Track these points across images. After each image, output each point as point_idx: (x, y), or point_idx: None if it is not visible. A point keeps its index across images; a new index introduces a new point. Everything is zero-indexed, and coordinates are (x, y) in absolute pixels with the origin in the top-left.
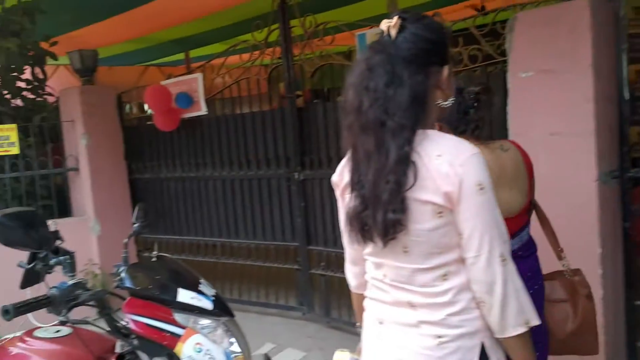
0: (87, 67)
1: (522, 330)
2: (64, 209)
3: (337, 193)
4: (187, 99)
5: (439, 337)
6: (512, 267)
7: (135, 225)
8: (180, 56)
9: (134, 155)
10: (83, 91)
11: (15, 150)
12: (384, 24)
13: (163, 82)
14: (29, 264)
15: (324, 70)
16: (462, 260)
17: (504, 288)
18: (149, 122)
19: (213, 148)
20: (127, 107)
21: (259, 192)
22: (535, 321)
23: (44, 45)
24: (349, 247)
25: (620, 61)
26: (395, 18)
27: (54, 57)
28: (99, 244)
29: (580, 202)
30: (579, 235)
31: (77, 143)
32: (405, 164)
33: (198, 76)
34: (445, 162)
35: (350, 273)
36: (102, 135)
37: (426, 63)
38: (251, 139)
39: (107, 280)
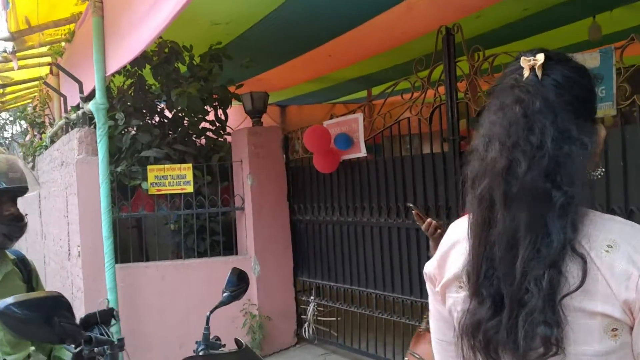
0: (257, 109)
1: None
2: (231, 246)
3: (432, 288)
4: (346, 140)
5: None
6: None
7: (225, 294)
8: (363, 93)
9: (297, 196)
10: (251, 132)
11: (189, 188)
12: (524, 62)
13: (325, 123)
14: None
15: None
16: None
17: None
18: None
19: (371, 192)
20: (296, 145)
21: (417, 243)
22: None
23: (231, 88)
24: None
25: None
26: (540, 55)
27: (238, 99)
28: (257, 284)
29: None
30: None
31: (244, 182)
32: (568, 257)
33: (358, 116)
34: (622, 257)
35: None
36: (266, 175)
37: (581, 117)
38: (410, 184)
39: (263, 323)
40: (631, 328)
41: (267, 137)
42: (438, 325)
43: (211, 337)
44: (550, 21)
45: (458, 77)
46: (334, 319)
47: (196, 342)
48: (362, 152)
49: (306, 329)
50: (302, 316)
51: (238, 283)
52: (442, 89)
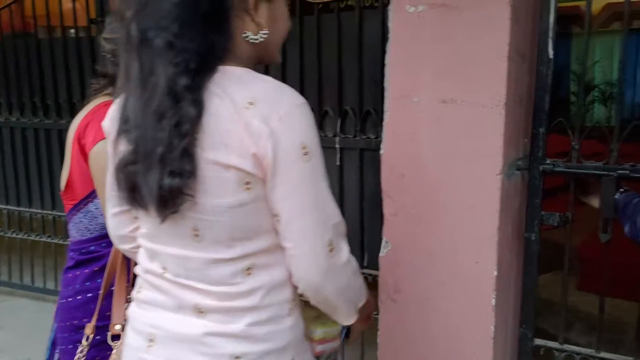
0: None
1: (354, 318)
2: None
3: (109, 143)
4: None
5: (237, 357)
6: (343, 257)
7: None
8: None
9: None
10: None
11: None
12: None
13: None
14: None
15: None
16: (275, 250)
17: (335, 286)
18: None
19: None
20: None
21: (60, 147)
22: (364, 298)
23: None
24: (117, 208)
25: (547, 1)
26: None
27: None
28: None
29: (476, 203)
30: (469, 249)
31: None
32: (190, 103)
33: None
34: (258, 114)
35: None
36: None
37: None
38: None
39: None
40: (263, 182)
41: None
42: (110, 169)
43: None
44: None
45: None
46: None
47: None
48: None
49: None
50: None
51: None
52: None
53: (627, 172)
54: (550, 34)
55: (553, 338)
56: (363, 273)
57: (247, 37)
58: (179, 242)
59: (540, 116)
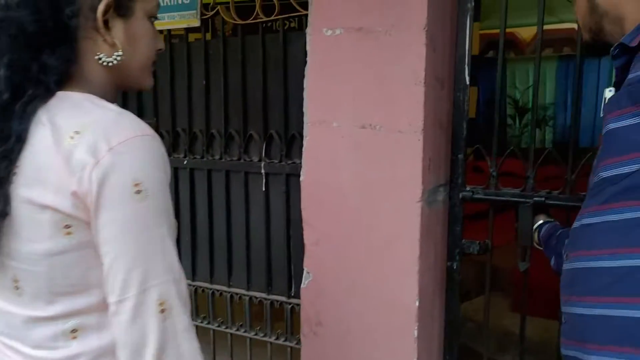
0: None
1: None
2: None
3: None
4: None
5: None
6: (180, 321)
7: None
8: None
9: None
10: None
11: None
12: None
13: None
14: None
15: None
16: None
17: (159, 355)
18: None
19: None
20: None
21: None
22: None
23: None
24: None
25: (464, 26)
26: None
27: None
28: None
29: (396, 231)
30: (390, 280)
31: None
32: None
33: None
34: (84, 144)
35: None
36: None
37: None
38: None
39: None
40: (87, 225)
41: None
42: None
43: None
44: None
45: None
46: None
47: None
48: None
49: None
50: None
51: None
52: None
53: (543, 199)
54: (466, 60)
55: None
56: (290, 304)
57: (101, 59)
58: (1, 294)
59: (459, 142)
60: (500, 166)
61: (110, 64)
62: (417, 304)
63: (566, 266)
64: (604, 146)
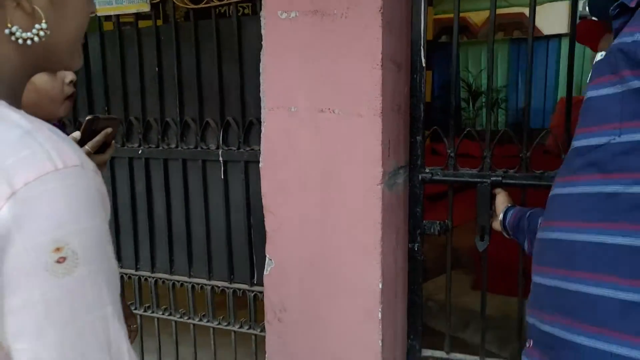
0: None
1: None
2: None
3: None
4: None
5: None
6: None
7: None
8: None
9: None
10: None
11: None
12: None
13: None
14: None
15: None
16: None
17: None
18: None
19: None
20: None
21: None
22: None
23: None
24: None
25: (419, 9)
26: None
27: None
28: None
29: (358, 215)
30: (353, 263)
31: None
32: None
33: None
34: None
35: None
36: None
37: None
38: None
39: None
40: None
41: None
42: None
43: None
44: None
45: None
46: None
47: None
48: None
49: None
50: None
51: None
52: None
53: (500, 178)
54: (422, 42)
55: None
56: (253, 291)
57: (14, 34)
58: None
59: (417, 125)
60: (457, 148)
61: (28, 41)
62: (380, 286)
63: (537, 235)
64: (581, 114)
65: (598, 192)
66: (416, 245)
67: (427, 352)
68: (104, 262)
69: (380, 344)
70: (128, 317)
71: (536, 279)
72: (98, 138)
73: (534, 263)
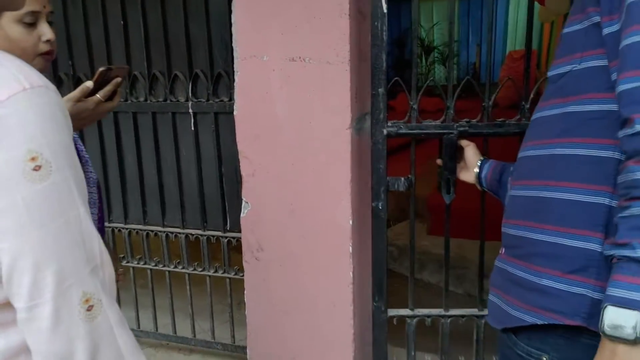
0: None
1: None
2: None
3: None
4: None
5: None
6: (112, 313)
7: None
8: None
9: None
10: None
11: None
12: None
13: None
14: None
15: None
16: (9, 305)
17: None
18: None
19: None
20: None
21: None
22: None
23: None
24: None
25: None
26: None
27: None
28: None
29: (329, 157)
30: (326, 203)
31: None
32: None
33: None
34: None
35: None
36: None
37: None
38: None
39: None
40: None
41: None
42: None
43: None
44: None
45: None
46: None
47: None
48: None
49: None
50: None
51: None
52: None
53: (466, 128)
54: None
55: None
56: (226, 237)
57: None
58: None
59: (379, 76)
60: (419, 100)
61: None
62: (350, 222)
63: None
64: (556, 48)
65: (560, 113)
66: (380, 203)
67: (392, 312)
68: (73, 170)
69: (352, 276)
70: (113, 260)
71: (511, 192)
72: (109, 87)
73: (512, 179)
